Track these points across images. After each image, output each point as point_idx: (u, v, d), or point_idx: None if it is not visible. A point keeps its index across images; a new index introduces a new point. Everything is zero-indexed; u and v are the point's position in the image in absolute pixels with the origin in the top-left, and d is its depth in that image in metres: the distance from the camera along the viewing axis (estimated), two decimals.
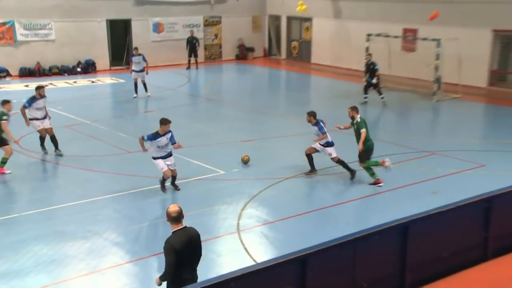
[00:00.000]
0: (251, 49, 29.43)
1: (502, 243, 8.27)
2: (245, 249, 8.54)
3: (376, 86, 18.05)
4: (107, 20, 24.82)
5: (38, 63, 23.20)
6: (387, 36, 21.27)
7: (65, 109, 17.26)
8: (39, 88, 13.02)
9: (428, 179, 11.46)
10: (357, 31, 23.95)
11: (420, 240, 7.36)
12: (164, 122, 10.34)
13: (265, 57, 30.06)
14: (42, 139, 13.05)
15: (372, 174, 11.18)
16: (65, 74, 23.67)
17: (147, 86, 19.31)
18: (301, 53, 28.57)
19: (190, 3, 26.96)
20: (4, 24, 22.47)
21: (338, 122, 16.25)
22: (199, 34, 27.53)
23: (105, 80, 23.28)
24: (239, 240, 8.81)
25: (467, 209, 7.95)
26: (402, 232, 7.29)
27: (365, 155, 11.14)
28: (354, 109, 11.43)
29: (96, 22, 24.53)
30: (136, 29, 25.66)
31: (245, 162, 12.54)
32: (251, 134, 15.02)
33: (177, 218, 5.80)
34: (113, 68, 25.26)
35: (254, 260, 8.02)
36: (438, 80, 19.53)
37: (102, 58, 24.91)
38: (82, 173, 11.59)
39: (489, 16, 20.29)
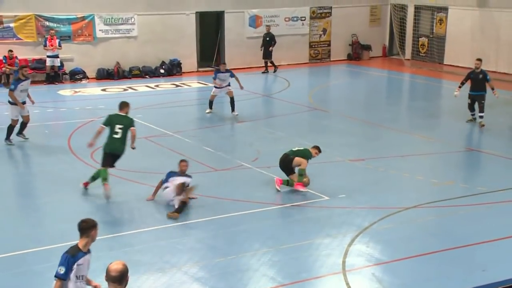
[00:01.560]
0: (367, 47, 29.33)
1: None
2: None
3: (483, 99, 17.06)
4: (196, 13, 25.80)
5: (118, 63, 24.54)
6: None
7: (145, 117, 18.05)
8: (22, 67, 15.37)
9: None
10: (510, 23, 23.19)
11: None
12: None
13: (384, 57, 29.86)
14: (11, 129, 15.17)
15: (93, 179, 12.07)
16: (147, 76, 24.88)
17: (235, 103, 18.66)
18: (431, 52, 28.12)
19: None
20: (83, 18, 24.04)
21: (469, 139, 15.74)
22: (303, 29, 27.89)
23: (192, 84, 24.17)
24: (345, 282, 8.76)
25: None
26: None
27: (105, 159, 11.99)
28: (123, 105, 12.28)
29: (184, 15, 25.58)
30: (230, 23, 26.47)
31: (306, 184, 12.37)
32: (363, 152, 14.91)
33: (117, 279, 5.45)
34: (201, 69, 26.19)
35: None
36: None
37: (189, 57, 25.90)
38: (161, 193, 12.06)
39: None
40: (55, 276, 6.46)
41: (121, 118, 12.09)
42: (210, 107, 18.84)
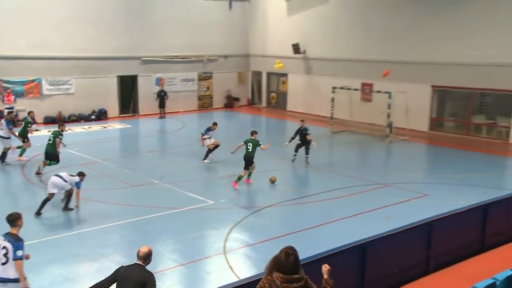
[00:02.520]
0: (237, 99, 29.73)
1: (441, 259, 8.37)
2: (230, 267, 8.51)
3: (308, 146, 16.26)
4: (117, 76, 25.02)
5: (60, 112, 23.23)
6: (348, 89, 21.83)
7: (81, 150, 17.22)
8: (10, 113, 15.75)
9: (382, 207, 11.58)
10: (325, 84, 24.41)
11: (376, 258, 7.44)
12: None
13: (248, 106, 30.31)
14: (4, 155, 15.09)
15: None
16: (82, 121, 23.66)
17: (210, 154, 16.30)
18: (278, 102, 28.89)
19: (187, 61, 27.35)
20: (33, 81, 22.61)
21: (306, 161, 16.35)
22: (194, 86, 27.92)
23: (115, 126, 23.29)
24: (225, 260, 8.78)
25: (413, 232, 8.09)
26: (361, 252, 7.37)
27: (44, 155, 13.70)
28: None
29: (108, 78, 24.72)
30: (142, 82, 25.86)
31: (273, 182, 13.22)
32: (237, 169, 14.99)
33: (142, 257, 5.81)
34: (121, 115, 25.34)
35: (238, 277, 7.98)
36: (390, 125, 19.97)
37: (113, 107, 24.98)
38: (94, 204, 11.52)
39: (429, 74, 21.05)
40: (18, 259, 6.05)
41: (54, 131, 13.86)
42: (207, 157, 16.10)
